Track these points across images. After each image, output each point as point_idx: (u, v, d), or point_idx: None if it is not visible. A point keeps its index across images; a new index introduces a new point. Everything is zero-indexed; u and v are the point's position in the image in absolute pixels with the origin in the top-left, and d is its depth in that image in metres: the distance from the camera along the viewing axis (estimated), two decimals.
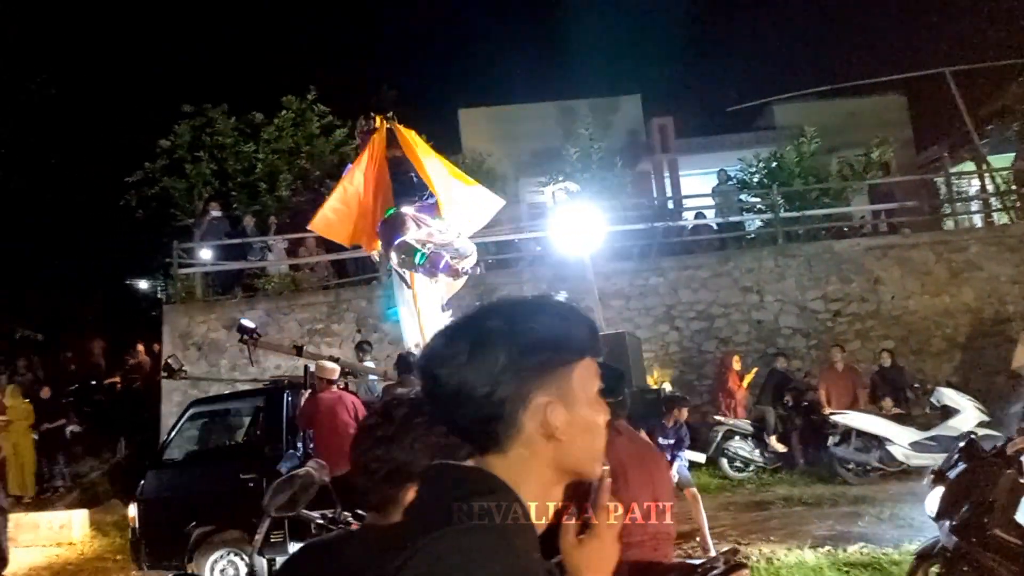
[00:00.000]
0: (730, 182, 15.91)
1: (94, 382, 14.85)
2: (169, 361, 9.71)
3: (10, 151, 17.60)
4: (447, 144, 16.95)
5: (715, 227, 15.79)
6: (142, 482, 8.80)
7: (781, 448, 11.52)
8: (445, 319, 8.13)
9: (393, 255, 7.78)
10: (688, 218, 16.69)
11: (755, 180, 15.70)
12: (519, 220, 16.77)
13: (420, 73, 21.85)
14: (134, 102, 18.15)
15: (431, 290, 8.15)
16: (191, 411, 9.23)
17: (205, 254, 14.42)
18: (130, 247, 17.75)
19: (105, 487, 12.44)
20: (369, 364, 10.58)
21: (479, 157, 16.59)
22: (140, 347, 15.98)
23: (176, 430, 9.04)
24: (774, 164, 15.41)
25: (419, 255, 7.63)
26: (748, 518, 9.21)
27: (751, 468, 11.54)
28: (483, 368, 1.15)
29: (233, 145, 15.65)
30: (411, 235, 7.64)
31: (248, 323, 10.07)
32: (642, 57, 26.35)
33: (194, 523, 8.11)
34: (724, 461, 11.53)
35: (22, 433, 12.21)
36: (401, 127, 8.27)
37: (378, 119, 9.10)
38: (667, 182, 19.22)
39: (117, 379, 15.20)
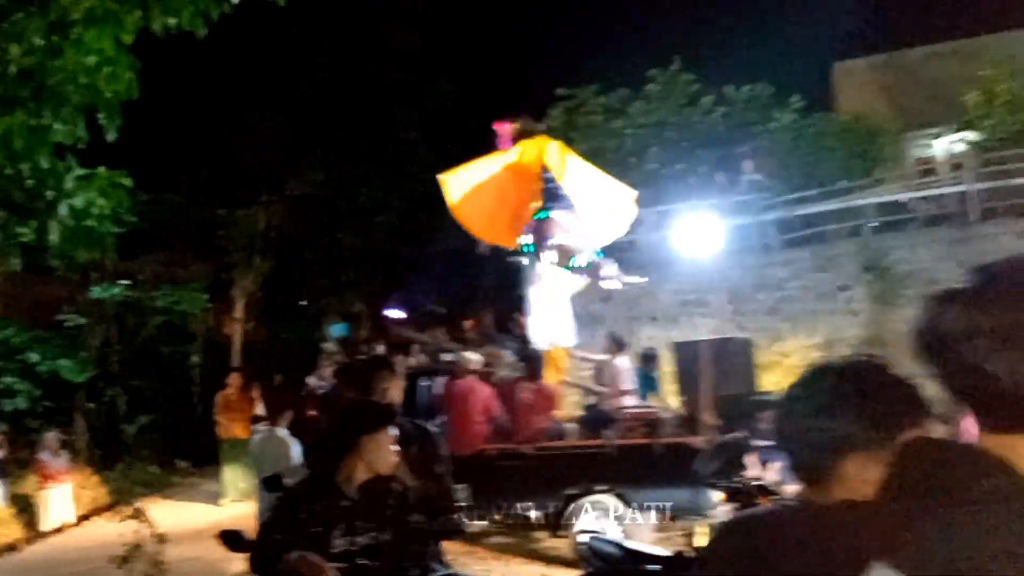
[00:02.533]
0: None
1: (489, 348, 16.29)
2: None
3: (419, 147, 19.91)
4: (820, 103, 15.93)
5: None
6: None
7: None
8: (569, 314, 8.88)
9: (551, 254, 8.33)
10: None
11: None
12: (908, 178, 15.22)
13: (786, 29, 20.62)
14: (517, 93, 19.50)
15: (562, 288, 8.78)
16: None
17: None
18: None
19: None
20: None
21: (857, 113, 15.30)
22: (523, 319, 17.18)
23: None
24: None
25: (575, 259, 8.25)
26: None
27: None
28: None
29: (603, 123, 16.11)
30: (560, 239, 8.23)
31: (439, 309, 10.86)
32: None
33: None
34: None
35: None
36: (546, 138, 8.89)
37: (520, 124, 9.20)
38: None
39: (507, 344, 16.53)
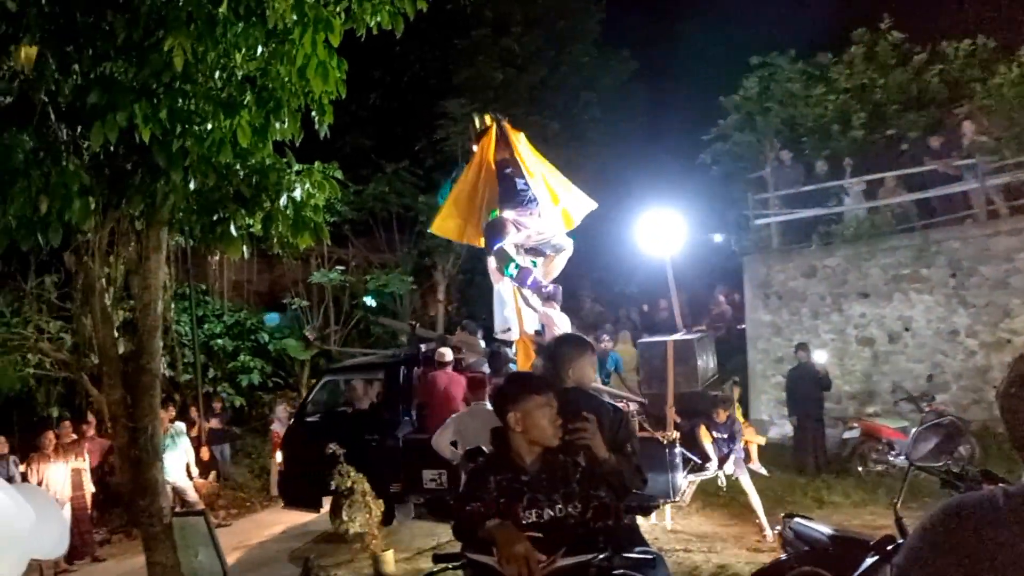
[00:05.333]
0: None
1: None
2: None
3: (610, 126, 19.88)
4: None
5: None
6: (286, 433, 10.28)
7: None
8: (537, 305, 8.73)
9: (492, 259, 8.54)
10: None
11: None
12: None
13: None
14: (706, 64, 18.98)
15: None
16: (325, 378, 10.83)
17: (778, 203, 14.44)
18: (707, 202, 18.67)
19: None
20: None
21: None
22: (721, 297, 16.78)
23: (313, 393, 10.60)
24: None
25: (510, 265, 8.38)
26: None
27: None
28: None
29: (801, 91, 15.33)
30: (510, 239, 8.24)
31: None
32: None
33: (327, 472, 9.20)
34: None
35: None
36: (509, 127, 8.69)
37: (487, 118, 8.96)
38: None
39: (703, 327, 16.20)
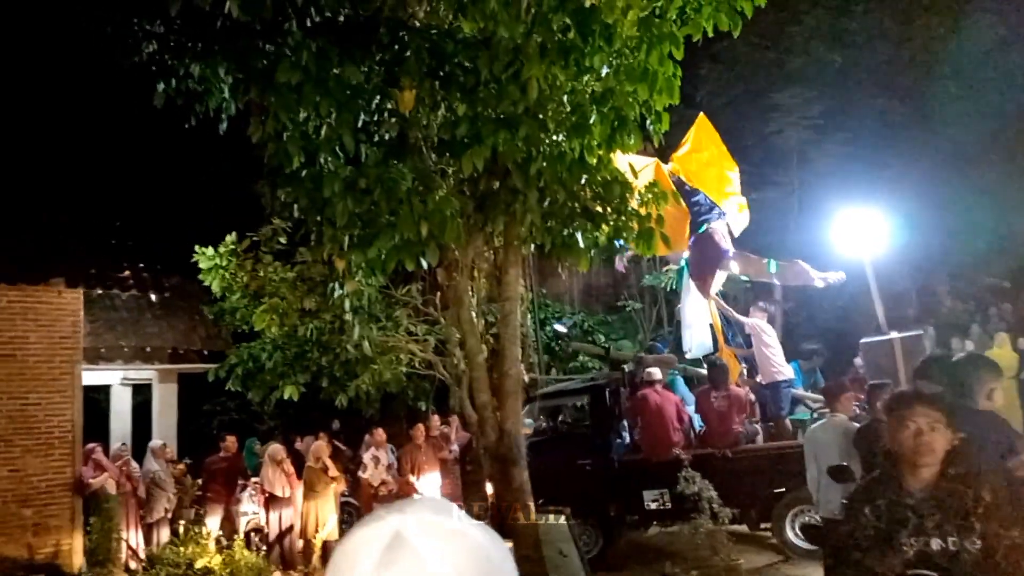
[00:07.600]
0: None
1: None
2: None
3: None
4: None
5: None
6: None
7: None
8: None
9: (734, 264, 9.05)
10: None
11: None
12: None
13: None
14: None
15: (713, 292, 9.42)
16: (529, 405, 10.17)
17: None
18: None
19: None
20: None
21: None
22: None
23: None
24: None
25: (773, 264, 8.89)
26: None
27: None
28: None
29: None
30: (727, 245, 8.81)
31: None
32: None
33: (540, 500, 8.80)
34: None
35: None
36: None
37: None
38: None
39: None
